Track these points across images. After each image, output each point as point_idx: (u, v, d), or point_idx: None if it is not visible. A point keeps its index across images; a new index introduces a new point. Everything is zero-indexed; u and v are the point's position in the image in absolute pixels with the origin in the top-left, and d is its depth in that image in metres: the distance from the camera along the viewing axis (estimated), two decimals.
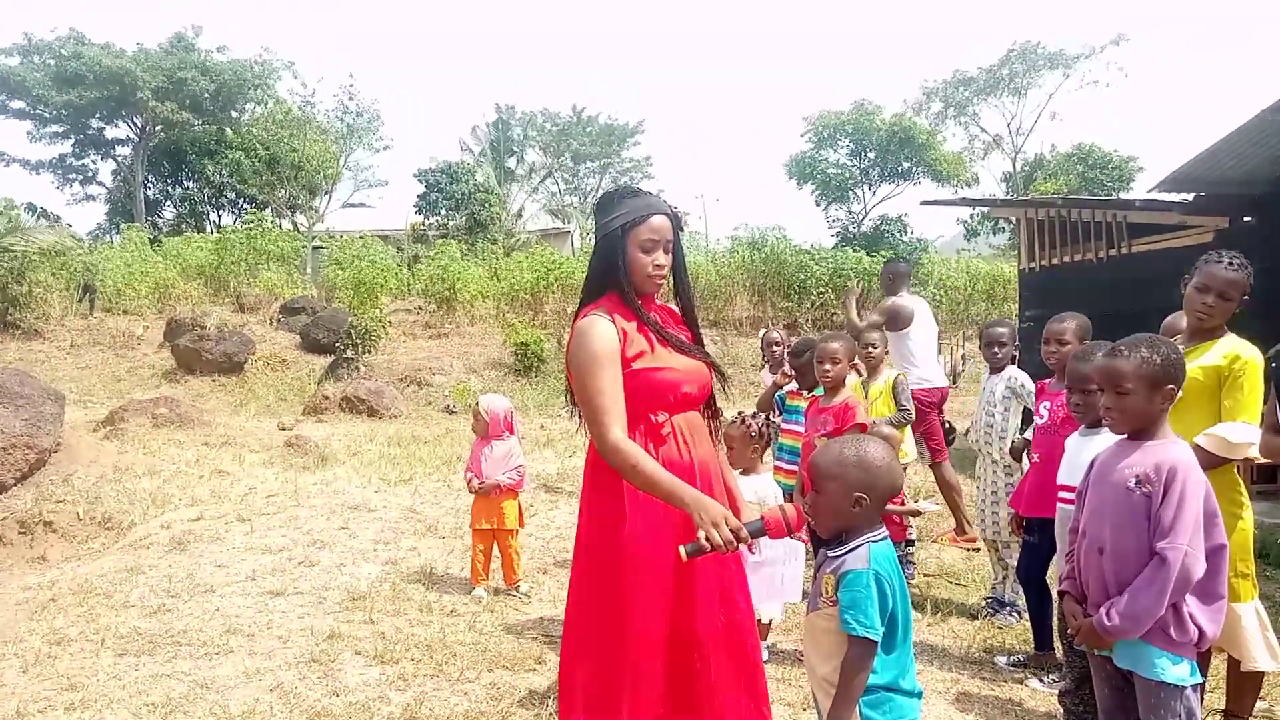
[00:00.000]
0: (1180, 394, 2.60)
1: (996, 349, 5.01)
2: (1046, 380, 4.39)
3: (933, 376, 6.59)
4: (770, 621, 4.32)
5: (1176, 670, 2.48)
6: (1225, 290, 3.24)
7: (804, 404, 5.33)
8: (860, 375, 5.70)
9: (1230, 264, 3.26)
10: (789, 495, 4.69)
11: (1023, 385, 4.86)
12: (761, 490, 4.11)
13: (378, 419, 12.53)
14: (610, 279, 2.59)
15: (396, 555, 6.08)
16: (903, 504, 5.06)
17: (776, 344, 6.80)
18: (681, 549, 2.30)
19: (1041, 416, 4.17)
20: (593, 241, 2.77)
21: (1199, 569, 2.43)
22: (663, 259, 2.58)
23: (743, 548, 2.34)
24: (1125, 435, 2.64)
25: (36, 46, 29.28)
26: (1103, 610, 2.52)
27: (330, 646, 4.44)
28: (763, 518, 2.34)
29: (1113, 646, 2.58)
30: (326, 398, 12.96)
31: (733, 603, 2.58)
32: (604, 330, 2.51)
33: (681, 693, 2.53)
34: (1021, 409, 4.93)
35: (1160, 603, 2.42)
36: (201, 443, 9.62)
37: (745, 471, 4.24)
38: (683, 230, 2.71)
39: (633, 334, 2.55)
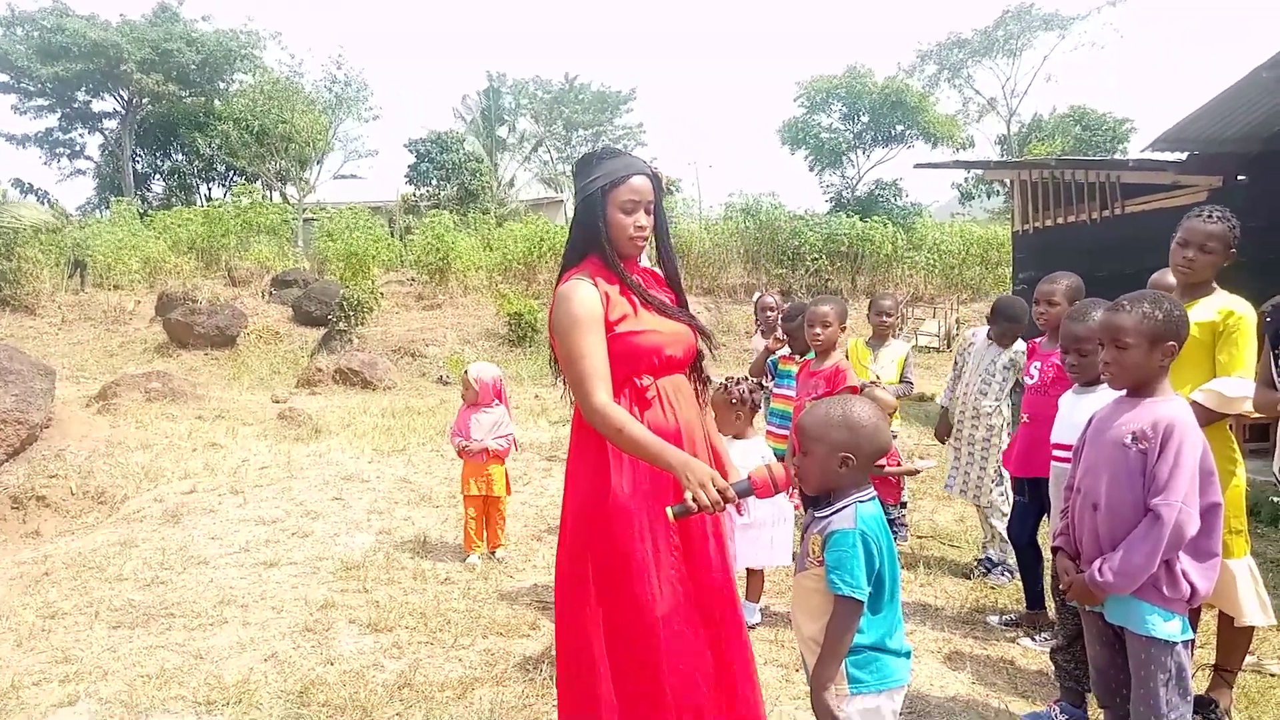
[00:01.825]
0: (1178, 351, 2.57)
1: (1008, 337, 4.94)
2: (1037, 340, 4.37)
3: None
4: (763, 576, 4.34)
5: (1168, 626, 2.48)
6: (1204, 243, 3.22)
7: (796, 368, 5.32)
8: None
9: (1209, 217, 3.24)
10: (780, 459, 4.69)
11: (1021, 355, 4.78)
12: (751, 455, 4.10)
13: (371, 390, 12.52)
14: (591, 242, 2.55)
15: (390, 525, 6.08)
16: (899, 465, 5.06)
17: (771, 309, 6.79)
18: (669, 510, 2.29)
19: (1032, 377, 4.15)
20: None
21: (1192, 526, 2.42)
22: (644, 220, 2.54)
23: (730, 509, 2.33)
24: (1124, 392, 2.63)
25: (19, 18, 28.85)
26: (1095, 566, 2.52)
27: (324, 616, 4.45)
28: (750, 477, 2.32)
29: (1104, 602, 2.58)
30: (320, 370, 12.94)
31: (721, 561, 2.57)
32: (586, 294, 2.47)
33: (686, 649, 2.53)
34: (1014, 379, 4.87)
35: (1153, 559, 2.41)
36: (194, 416, 9.60)
37: (736, 436, 4.24)
38: (668, 193, 2.67)
39: (615, 297, 2.51)
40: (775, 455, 4.96)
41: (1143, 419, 2.51)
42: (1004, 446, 4.71)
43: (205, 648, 4.07)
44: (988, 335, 5.02)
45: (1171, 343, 2.52)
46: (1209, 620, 3.55)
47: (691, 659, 2.50)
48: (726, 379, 4.30)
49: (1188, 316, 2.61)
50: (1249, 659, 3.47)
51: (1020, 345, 4.85)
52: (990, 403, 4.84)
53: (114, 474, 7.26)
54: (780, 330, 5.77)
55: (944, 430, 5.22)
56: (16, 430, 7.44)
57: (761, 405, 4.73)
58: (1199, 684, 3.36)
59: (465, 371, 5.55)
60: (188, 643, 4.14)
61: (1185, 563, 2.49)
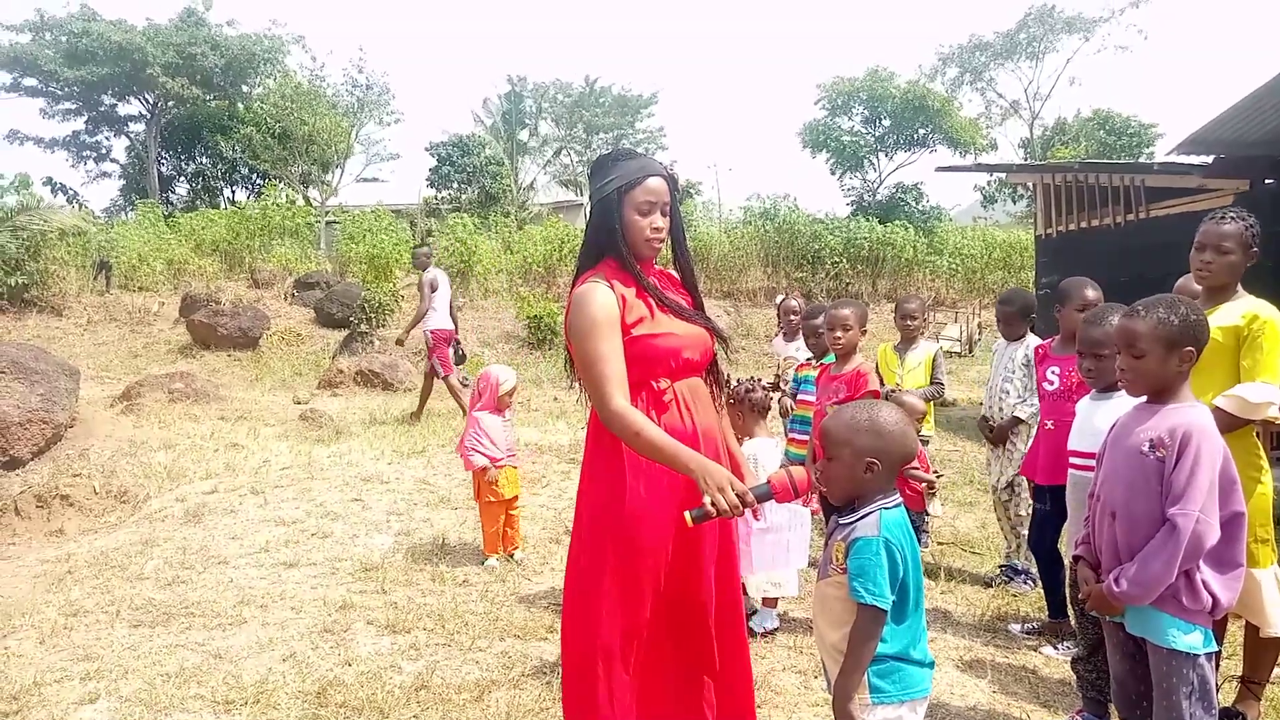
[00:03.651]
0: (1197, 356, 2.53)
1: (1004, 324, 4.94)
2: (1047, 343, 4.33)
3: (444, 322, 10.29)
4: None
5: (1188, 638, 2.43)
6: (1220, 244, 3.17)
7: (814, 373, 5.29)
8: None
9: (1223, 218, 3.20)
10: (800, 464, 4.68)
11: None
12: (762, 454, 4.10)
13: (392, 392, 12.55)
14: (607, 244, 2.54)
15: (409, 526, 6.10)
16: (928, 471, 5.01)
17: (795, 312, 6.78)
18: (687, 514, 2.28)
19: (1051, 382, 4.10)
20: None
21: (1211, 536, 2.37)
22: (660, 222, 2.53)
23: (747, 513, 2.31)
24: (1145, 399, 2.59)
25: (48, 23, 29.17)
26: (1112, 576, 2.48)
27: (343, 617, 4.46)
28: (769, 481, 2.31)
29: (1125, 613, 2.54)
30: (341, 371, 12.97)
31: (727, 565, 2.57)
32: (603, 297, 2.46)
33: (688, 654, 2.53)
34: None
35: (1170, 570, 2.37)
36: (217, 417, 9.67)
37: (747, 436, 4.25)
38: (687, 196, 2.67)
39: (632, 300, 2.51)
40: (795, 460, 4.95)
41: (1160, 426, 2.46)
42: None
43: (224, 647, 4.10)
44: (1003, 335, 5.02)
45: (1189, 348, 2.47)
46: (1235, 631, 3.50)
47: (662, 667, 2.51)
48: (738, 380, 4.31)
49: (1207, 321, 2.55)
50: (1277, 671, 3.41)
51: (1034, 340, 4.82)
52: (1014, 401, 4.79)
53: (137, 473, 7.31)
54: (802, 338, 5.75)
55: (999, 436, 4.89)
56: (42, 429, 7.52)
57: (771, 407, 4.70)
58: (1226, 696, 3.32)
59: (511, 381, 5.46)
60: (207, 642, 4.16)
61: (1206, 573, 2.44)
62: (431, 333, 10.23)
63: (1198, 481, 2.36)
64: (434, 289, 10.23)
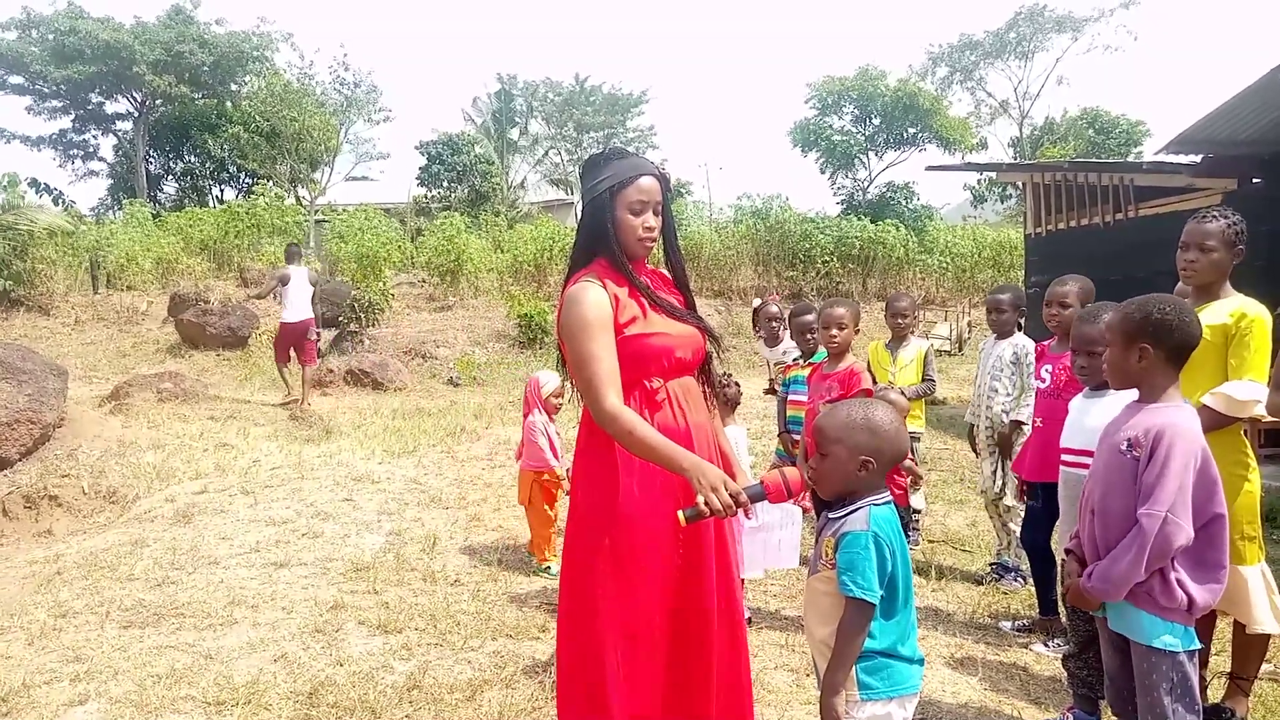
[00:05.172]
0: (1156, 354, 2.49)
1: (995, 314, 4.96)
2: (1045, 343, 4.35)
3: (298, 315, 11.00)
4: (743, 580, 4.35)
5: (1165, 637, 2.45)
6: (1203, 243, 3.18)
7: (804, 373, 5.30)
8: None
9: (1205, 217, 3.22)
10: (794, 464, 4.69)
11: (1028, 354, 4.75)
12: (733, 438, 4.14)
13: (382, 391, 12.52)
14: (599, 244, 2.54)
15: (400, 526, 6.08)
16: (915, 466, 5.01)
17: (776, 319, 6.75)
18: (680, 514, 2.27)
19: (1043, 380, 4.13)
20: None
21: (1180, 537, 2.37)
22: (653, 221, 2.53)
23: (740, 512, 2.31)
24: (1137, 397, 2.59)
25: (34, 20, 28.99)
26: (1086, 572, 2.51)
27: (334, 617, 4.45)
28: (762, 481, 2.31)
29: (1106, 610, 2.56)
30: (331, 371, 12.92)
31: (724, 567, 2.57)
32: (596, 297, 2.46)
33: (683, 656, 2.52)
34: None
35: (1137, 569, 2.38)
36: (206, 416, 9.63)
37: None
38: (678, 195, 2.66)
39: (624, 299, 2.50)
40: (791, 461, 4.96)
41: (1139, 425, 2.48)
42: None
43: (215, 648, 4.08)
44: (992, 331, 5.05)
45: (1144, 345, 2.47)
46: (1224, 627, 3.52)
47: (659, 670, 2.50)
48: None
49: (1184, 323, 2.48)
50: (1266, 667, 3.43)
51: (1020, 339, 4.84)
52: (1002, 399, 4.81)
53: (126, 474, 7.28)
54: (789, 338, 5.76)
55: (1004, 446, 4.89)
56: (29, 430, 7.48)
57: (741, 401, 4.74)
58: (1215, 692, 3.34)
59: (547, 382, 5.35)
60: (198, 643, 4.15)
61: (1182, 573, 2.45)
62: (280, 325, 11.24)
63: (1166, 482, 2.37)
64: (284, 283, 11.10)
